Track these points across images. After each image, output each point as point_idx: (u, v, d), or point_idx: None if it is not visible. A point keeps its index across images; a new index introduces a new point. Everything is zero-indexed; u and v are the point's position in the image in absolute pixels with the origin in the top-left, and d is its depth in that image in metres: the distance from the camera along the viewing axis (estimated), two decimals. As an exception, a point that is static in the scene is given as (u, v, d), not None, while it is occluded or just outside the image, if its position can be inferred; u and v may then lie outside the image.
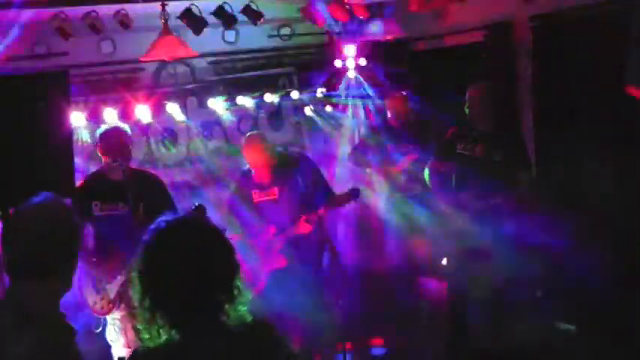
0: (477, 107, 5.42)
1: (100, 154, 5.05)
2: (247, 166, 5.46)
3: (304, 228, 5.17)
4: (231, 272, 2.14)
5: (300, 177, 5.31)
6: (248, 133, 5.68)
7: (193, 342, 2.08)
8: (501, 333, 5.09)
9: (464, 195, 5.34)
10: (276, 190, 5.35)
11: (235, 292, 2.12)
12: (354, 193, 5.27)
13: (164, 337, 2.07)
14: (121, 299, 4.81)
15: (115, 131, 5.10)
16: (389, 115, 6.73)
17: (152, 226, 2.13)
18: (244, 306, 2.15)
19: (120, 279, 4.77)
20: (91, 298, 4.85)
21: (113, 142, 4.98)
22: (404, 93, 6.72)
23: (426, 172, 5.75)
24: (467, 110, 5.47)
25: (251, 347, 2.13)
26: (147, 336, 2.08)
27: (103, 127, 5.17)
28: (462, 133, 5.54)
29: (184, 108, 6.73)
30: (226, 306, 2.10)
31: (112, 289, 4.81)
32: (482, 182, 5.26)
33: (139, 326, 2.09)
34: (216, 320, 2.09)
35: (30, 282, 2.27)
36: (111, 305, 4.83)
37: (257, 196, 5.38)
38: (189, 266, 2.07)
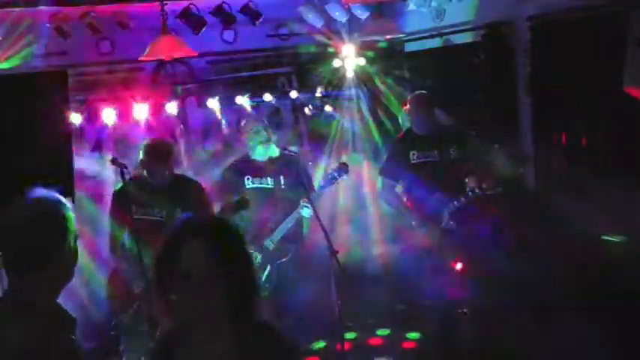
0: (420, 113, 5.55)
1: (142, 164, 5.02)
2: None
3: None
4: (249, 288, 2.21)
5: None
6: None
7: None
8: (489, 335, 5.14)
9: (436, 199, 5.37)
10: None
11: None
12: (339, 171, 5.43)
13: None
14: (142, 298, 4.80)
15: (161, 143, 5.14)
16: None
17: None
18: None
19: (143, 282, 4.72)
20: (116, 292, 4.90)
21: (159, 153, 4.98)
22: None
23: (380, 184, 5.80)
24: (409, 118, 5.65)
25: (251, 347, 2.18)
26: None
27: (147, 140, 5.20)
28: (409, 143, 5.62)
29: (183, 108, 6.73)
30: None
31: (138, 286, 4.81)
32: (449, 183, 5.40)
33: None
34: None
35: (26, 274, 2.32)
36: (132, 302, 4.85)
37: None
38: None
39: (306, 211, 5.30)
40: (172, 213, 4.95)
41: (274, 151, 5.56)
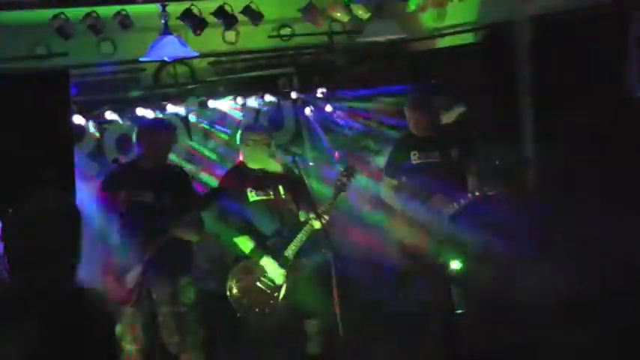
0: (416, 115, 5.50)
1: (136, 145, 5.00)
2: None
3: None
4: None
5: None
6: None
7: None
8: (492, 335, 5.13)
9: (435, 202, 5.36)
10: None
11: None
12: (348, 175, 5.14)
13: None
14: (139, 293, 4.69)
15: (155, 125, 5.22)
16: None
17: None
18: None
19: (138, 269, 4.62)
20: (110, 286, 4.74)
21: (151, 136, 4.98)
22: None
23: (384, 188, 5.69)
24: (409, 119, 5.55)
25: None
26: None
27: (143, 120, 5.32)
28: (410, 143, 5.59)
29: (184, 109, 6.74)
30: None
31: (132, 279, 4.65)
32: (450, 185, 5.34)
33: None
34: None
35: (29, 273, 2.34)
36: (129, 295, 4.69)
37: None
38: None
39: (317, 223, 4.90)
40: (160, 198, 4.83)
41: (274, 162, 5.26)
